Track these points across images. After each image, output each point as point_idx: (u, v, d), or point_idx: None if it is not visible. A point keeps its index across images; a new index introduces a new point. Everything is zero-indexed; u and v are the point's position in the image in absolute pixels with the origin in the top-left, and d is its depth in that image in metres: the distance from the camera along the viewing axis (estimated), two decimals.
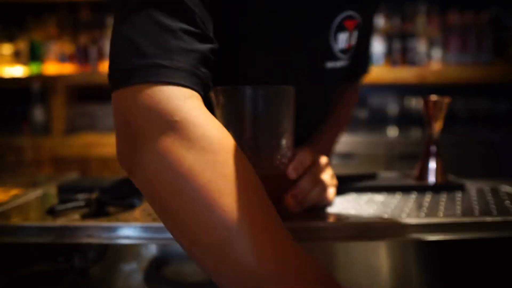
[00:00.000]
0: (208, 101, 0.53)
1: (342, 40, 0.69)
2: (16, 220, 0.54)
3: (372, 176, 0.77)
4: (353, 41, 0.72)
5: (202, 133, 0.38)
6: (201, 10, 0.46)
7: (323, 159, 0.60)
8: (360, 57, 0.88)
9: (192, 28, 0.44)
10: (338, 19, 0.67)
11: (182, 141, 0.37)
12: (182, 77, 0.41)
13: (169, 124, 0.38)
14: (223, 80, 0.53)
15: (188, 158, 0.37)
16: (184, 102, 0.39)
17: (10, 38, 2.62)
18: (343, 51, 0.71)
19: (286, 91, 0.53)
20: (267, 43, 0.64)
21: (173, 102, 0.39)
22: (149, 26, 0.42)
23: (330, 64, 0.69)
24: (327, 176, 0.60)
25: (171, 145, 0.37)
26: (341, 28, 0.69)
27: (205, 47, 0.45)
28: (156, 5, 0.42)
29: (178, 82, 0.40)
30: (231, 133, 0.50)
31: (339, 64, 0.71)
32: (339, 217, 0.55)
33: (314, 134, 0.83)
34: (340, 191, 0.66)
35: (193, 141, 0.37)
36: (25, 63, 2.56)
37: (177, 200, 0.36)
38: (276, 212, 0.39)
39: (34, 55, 2.52)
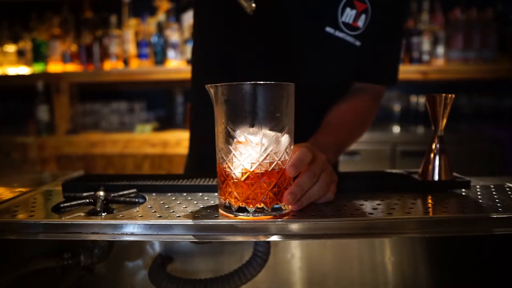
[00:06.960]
0: (207, 98, 0.53)
1: (348, 15, 0.82)
2: (22, 217, 0.55)
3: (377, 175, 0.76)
4: (360, 23, 0.83)
5: None
6: None
7: (323, 156, 0.60)
8: (376, 59, 0.90)
9: None
10: None
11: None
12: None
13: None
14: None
15: None
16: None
17: (14, 38, 2.63)
18: (347, 25, 0.82)
19: (286, 87, 0.52)
20: None
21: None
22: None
23: (329, 29, 0.82)
24: (327, 173, 0.59)
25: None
26: (350, 4, 0.81)
27: None
28: None
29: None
30: (230, 130, 0.51)
31: (339, 34, 0.82)
32: (344, 214, 0.55)
33: (316, 133, 0.83)
34: (343, 188, 0.65)
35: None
36: (29, 62, 2.57)
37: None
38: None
39: (37, 55, 2.53)
